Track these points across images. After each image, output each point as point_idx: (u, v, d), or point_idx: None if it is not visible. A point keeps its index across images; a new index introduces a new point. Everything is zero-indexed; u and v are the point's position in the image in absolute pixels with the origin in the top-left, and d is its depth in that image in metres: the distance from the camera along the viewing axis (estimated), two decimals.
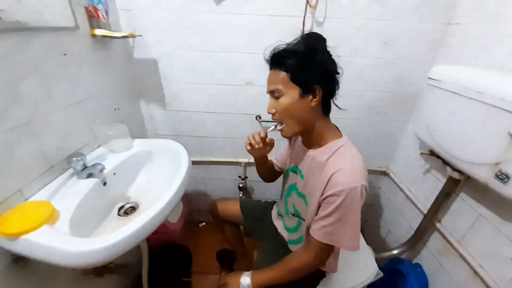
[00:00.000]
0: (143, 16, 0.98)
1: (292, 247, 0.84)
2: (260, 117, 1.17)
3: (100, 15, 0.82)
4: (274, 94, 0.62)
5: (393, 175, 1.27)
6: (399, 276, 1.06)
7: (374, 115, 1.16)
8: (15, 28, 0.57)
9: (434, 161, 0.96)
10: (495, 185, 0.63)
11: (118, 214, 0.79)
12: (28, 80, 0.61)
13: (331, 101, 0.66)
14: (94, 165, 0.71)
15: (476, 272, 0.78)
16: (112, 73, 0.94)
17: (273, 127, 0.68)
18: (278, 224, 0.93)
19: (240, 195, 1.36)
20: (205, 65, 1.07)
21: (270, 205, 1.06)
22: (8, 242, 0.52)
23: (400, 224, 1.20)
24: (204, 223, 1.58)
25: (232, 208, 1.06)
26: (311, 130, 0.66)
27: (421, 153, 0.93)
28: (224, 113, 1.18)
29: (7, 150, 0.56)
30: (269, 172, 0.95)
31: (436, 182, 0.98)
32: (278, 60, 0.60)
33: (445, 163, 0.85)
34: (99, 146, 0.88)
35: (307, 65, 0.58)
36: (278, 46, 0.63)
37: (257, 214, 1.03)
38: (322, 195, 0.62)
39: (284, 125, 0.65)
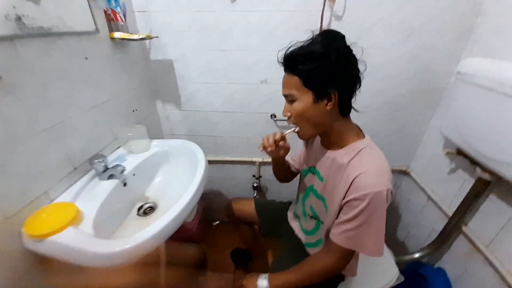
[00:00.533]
0: (160, 18, 0.99)
1: (310, 250, 0.82)
2: (275, 116, 1.15)
3: (119, 18, 0.83)
4: (288, 98, 0.61)
5: (414, 174, 1.22)
6: (421, 281, 1.02)
7: (394, 112, 1.11)
8: (40, 34, 0.58)
9: (460, 160, 0.91)
10: None
11: (138, 214, 0.81)
12: (54, 84, 0.63)
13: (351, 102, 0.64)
14: (115, 167, 0.73)
15: (503, 278, 0.73)
16: (130, 75, 0.96)
17: (291, 130, 0.66)
18: (295, 225, 0.92)
19: (255, 194, 1.36)
20: (221, 65, 1.06)
21: (285, 205, 1.05)
22: (34, 243, 0.54)
23: (421, 226, 1.15)
24: (218, 222, 1.60)
25: (247, 208, 1.05)
26: (329, 132, 0.64)
27: (447, 152, 0.88)
28: (239, 112, 1.18)
29: (36, 153, 0.59)
30: (285, 173, 0.93)
31: (462, 182, 0.93)
32: (290, 64, 0.58)
33: (474, 163, 0.80)
34: (118, 147, 0.90)
35: (320, 69, 0.55)
36: (291, 47, 0.59)
37: (272, 214, 1.02)
38: (344, 198, 0.60)
39: (298, 129, 0.64)
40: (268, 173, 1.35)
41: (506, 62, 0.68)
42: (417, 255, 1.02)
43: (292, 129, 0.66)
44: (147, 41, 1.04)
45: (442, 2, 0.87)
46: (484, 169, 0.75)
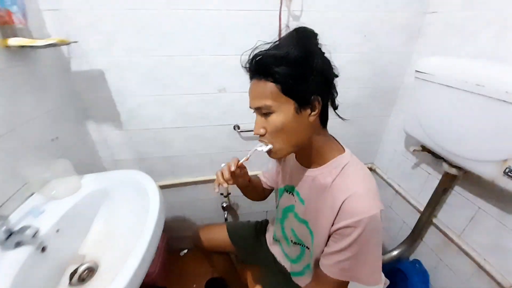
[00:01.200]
0: (79, 17, 0.76)
1: (296, 279, 0.73)
2: (238, 127, 1.03)
3: (15, 20, 0.60)
4: (261, 111, 0.49)
5: (379, 170, 1.24)
6: (400, 276, 1.03)
7: (357, 112, 1.10)
8: None
9: (424, 156, 0.93)
10: (504, 182, 0.60)
11: (71, 283, 0.59)
12: None
13: (329, 110, 0.56)
14: (21, 230, 0.51)
15: (480, 266, 0.76)
16: (41, 94, 0.71)
17: (253, 150, 0.54)
18: (276, 251, 0.82)
19: (225, 215, 1.21)
20: (168, 73, 0.89)
21: (262, 226, 0.94)
22: None
23: (393, 220, 1.17)
24: (186, 250, 1.40)
25: (219, 236, 0.91)
26: (308, 148, 0.55)
27: (414, 150, 0.89)
28: (197, 126, 1.02)
29: None
30: (256, 192, 0.81)
31: (427, 176, 0.96)
32: (263, 68, 0.46)
33: (439, 158, 0.82)
34: (32, 195, 0.65)
35: (302, 73, 0.45)
36: (258, 48, 0.48)
37: (249, 239, 0.90)
38: (332, 225, 0.51)
39: (270, 147, 0.51)
40: (236, 188, 1.21)
41: (464, 60, 0.69)
42: (395, 253, 1.02)
43: (254, 149, 0.54)
44: (64, 48, 0.80)
45: (392, 3, 0.88)
46: (451, 164, 0.77)
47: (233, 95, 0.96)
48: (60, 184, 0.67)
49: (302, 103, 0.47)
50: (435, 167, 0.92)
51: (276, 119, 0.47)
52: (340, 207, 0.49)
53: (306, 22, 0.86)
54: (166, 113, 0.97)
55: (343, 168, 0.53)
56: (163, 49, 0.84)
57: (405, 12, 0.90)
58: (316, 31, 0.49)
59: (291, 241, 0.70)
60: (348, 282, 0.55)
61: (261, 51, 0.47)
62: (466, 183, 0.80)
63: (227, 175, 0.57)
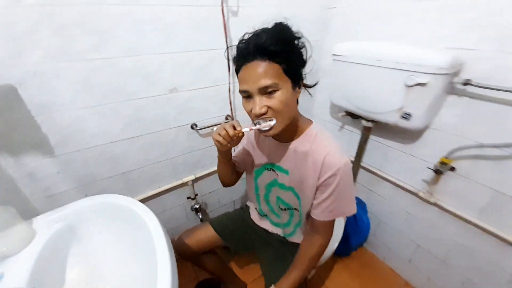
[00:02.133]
0: None
1: (291, 238, 0.85)
2: (196, 125, 1.02)
3: None
4: (268, 89, 0.53)
5: None
6: None
7: None
8: None
9: (347, 119, 1.23)
10: (402, 123, 0.90)
11: None
12: None
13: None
14: None
15: (396, 185, 1.11)
16: None
17: (258, 126, 0.57)
18: (266, 224, 0.91)
19: (200, 216, 1.19)
20: (108, 77, 0.78)
21: (243, 211, 1.00)
22: None
23: None
24: None
25: (205, 235, 0.92)
26: (291, 122, 0.65)
27: (341, 115, 1.16)
28: (152, 133, 0.94)
29: None
30: (231, 172, 0.83)
31: (351, 134, 1.27)
32: (270, 50, 0.51)
33: (357, 118, 1.11)
34: None
35: (297, 56, 0.55)
36: (249, 36, 0.55)
37: (237, 227, 0.95)
38: (318, 179, 0.65)
39: (275, 121, 0.57)
40: (202, 188, 1.21)
41: (365, 43, 0.96)
42: None
43: (261, 125, 0.57)
44: None
45: (303, 1, 1.07)
46: (367, 119, 1.06)
47: (186, 94, 0.95)
48: (7, 238, 0.51)
49: (295, 82, 0.57)
50: (355, 125, 1.23)
51: (282, 95, 0.54)
52: (322, 164, 0.63)
53: (243, 17, 0.93)
54: (113, 124, 0.85)
55: (315, 135, 0.67)
56: (100, 50, 0.73)
57: (314, 7, 1.12)
58: (252, 26, 0.56)
59: (281, 208, 0.81)
60: (334, 220, 0.72)
61: (265, 36, 0.52)
62: (377, 131, 1.13)
63: (231, 132, 0.58)
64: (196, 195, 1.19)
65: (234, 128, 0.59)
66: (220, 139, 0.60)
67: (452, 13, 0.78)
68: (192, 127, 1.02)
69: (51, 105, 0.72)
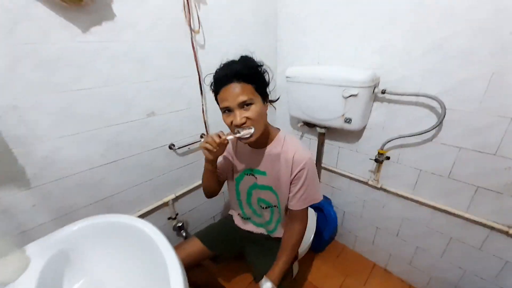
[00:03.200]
0: None
1: (274, 234, 0.96)
2: (174, 145, 1.09)
3: None
4: (245, 103, 0.68)
5: None
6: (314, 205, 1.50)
7: None
8: None
9: (304, 128, 1.44)
10: (346, 126, 1.13)
11: None
12: None
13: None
14: None
15: (351, 178, 1.33)
16: None
17: (239, 134, 0.70)
18: (249, 227, 1.00)
19: (184, 234, 1.21)
20: (88, 106, 0.83)
21: (227, 220, 1.08)
22: None
23: None
24: None
25: (194, 248, 0.96)
26: (264, 131, 0.80)
27: (300, 125, 1.37)
28: (131, 156, 0.98)
29: None
30: (215, 181, 0.92)
31: (309, 141, 1.49)
32: (244, 75, 0.67)
33: (313, 126, 1.33)
34: None
35: (262, 78, 0.72)
36: (225, 65, 0.71)
37: (222, 234, 1.02)
38: (291, 175, 0.80)
39: (253, 129, 0.70)
40: (182, 206, 1.25)
41: (310, 67, 1.20)
42: None
43: (236, 131, 0.70)
44: None
45: (259, 32, 1.29)
46: (320, 126, 1.29)
47: (164, 117, 1.03)
48: (3, 266, 0.51)
49: (264, 98, 0.72)
50: (312, 133, 1.45)
51: (256, 108, 0.69)
52: (292, 160, 0.78)
53: (209, 48, 1.09)
54: (92, 150, 0.88)
55: (284, 139, 0.83)
56: (78, 82, 0.79)
57: (266, 39, 1.35)
58: (218, 54, 0.74)
59: (262, 207, 0.92)
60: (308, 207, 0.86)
61: (240, 65, 0.68)
62: (330, 136, 1.36)
63: (217, 140, 0.70)
64: (177, 214, 1.21)
65: (220, 137, 0.71)
66: (208, 146, 0.72)
67: (365, 41, 1.07)
68: (170, 147, 1.09)
69: (28, 136, 0.74)
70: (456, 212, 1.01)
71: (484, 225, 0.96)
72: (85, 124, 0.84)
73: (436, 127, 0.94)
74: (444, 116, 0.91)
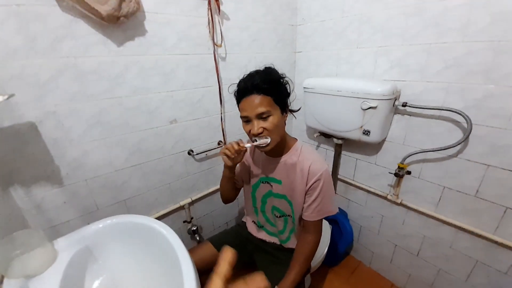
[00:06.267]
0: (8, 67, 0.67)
1: (287, 244, 0.95)
2: (192, 151, 1.14)
3: None
4: (263, 115, 0.70)
5: None
6: (329, 217, 1.46)
7: None
8: None
9: (321, 138, 1.44)
10: (364, 138, 1.11)
11: None
12: None
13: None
14: None
15: (368, 191, 1.30)
16: None
17: (256, 142, 0.72)
18: (263, 235, 1.00)
19: (198, 238, 1.23)
20: (116, 114, 0.89)
21: (240, 227, 1.09)
22: None
23: None
24: None
25: (206, 253, 0.97)
26: (281, 140, 0.82)
27: (316, 136, 1.37)
28: (152, 160, 1.04)
29: None
30: (232, 187, 0.96)
31: (326, 151, 1.47)
32: (263, 88, 0.70)
33: (330, 137, 1.32)
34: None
35: (282, 90, 0.74)
36: (247, 77, 0.73)
37: (235, 241, 1.02)
38: (306, 185, 0.80)
39: (269, 139, 0.73)
40: (197, 211, 1.28)
41: (326, 78, 1.21)
42: None
43: (254, 140, 0.73)
44: None
45: (277, 47, 1.33)
46: (337, 137, 1.27)
47: (184, 124, 1.08)
48: (31, 259, 0.56)
49: (283, 109, 0.74)
50: (329, 143, 1.44)
51: (274, 119, 0.72)
52: (308, 171, 0.78)
53: (230, 62, 1.14)
54: (117, 154, 0.94)
55: (300, 149, 0.84)
56: (109, 92, 0.86)
57: (283, 52, 1.38)
58: (237, 69, 0.76)
59: (276, 216, 0.92)
60: (322, 218, 0.85)
61: (256, 78, 0.70)
62: (347, 147, 1.34)
63: (236, 147, 0.74)
64: (192, 218, 1.25)
65: (238, 145, 0.74)
66: (228, 152, 0.75)
67: (384, 55, 1.06)
68: (189, 153, 1.13)
69: (63, 141, 0.81)
70: (483, 233, 0.94)
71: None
72: (112, 130, 0.90)
73: (461, 142, 0.90)
74: (470, 131, 0.87)
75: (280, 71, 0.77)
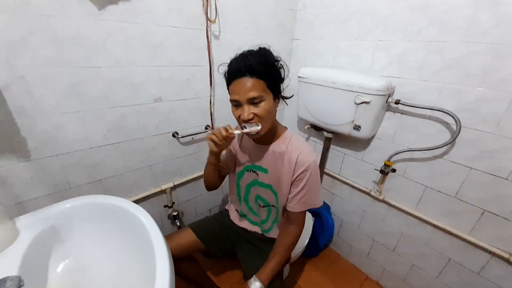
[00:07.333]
0: None
1: (269, 234, 0.94)
2: (177, 133, 1.08)
3: None
4: (254, 100, 0.66)
5: None
6: (312, 210, 1.47)
7: None
8: None
9: (311, 131, 1.42)
10: (354, 133, 1.10)
11: None
12: None
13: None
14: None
15: (353, 187, 1.30)
16: None
17: (246, 130, 0.68)
18: (245, 224, 0.98)
19: (178, 224, 1.20)
20: (95, 86, 0.82)
21: (222, 215, 1.06)
22: None
23: None
24: None
25: (185, 239, 0.94)
26: (271, 128, 0.78)
27: (307, 128, 1.35)
28: (133, 140, 0.97)
29: None
30: (217, 175, 0.92)
31: (315, 144, 1.46)
32: (256, 70, 0.64)
33: (320, 130, 1.30)
34: None
35: (277, 75, 0.69)
36: (239, 57, 0.68)
37: (216, 229, 1.00)
38: (293, 175, 0.78)
39: (260, 126, 0.69)
40: (180, 196, 1.24)
41: (323, 69, 1.17)
42: None
43: (244, 126, 0.68)
44: None
45: (275, 33, 1.27)
46: (327, 131, 1.26)
47: (170, 104, 1.02)
48: None
49: (275, 95, 0.70)
50: (319, 136, 1.42)
51: (266, 105, 0.67)
52: (296, 161, 0.76)
53: (224, 41, 1.07)
54: (96, 130, 0.87)
55: (290, 138, 0.81)
56: (88, 60, 0.78)
57: (281, 38, 1.33)
58: (232, 49, 0.70)
59: (260, 205, 0.90)
60: (306, 210, 0.84)
61: (251, 59, 0.64)
62: (336, 141, 1.33)
63: (224, 133, 0.69)
64: (173, 203, 1.21)
65: (227, 130, 0.69)
66: (214, 138, 0.70)
67: (383, 51, 1.03)
68: (173, 135, 1.08)
69: (32, 110, 0.73)
70: (459, 233, 0.97)
71: (486, 250, 0.92)
72: (90, 103, 0.83)
73: (449, 143, 0.91)
74: (458, 133, 0.87)
75: (277, 56, 0.73)
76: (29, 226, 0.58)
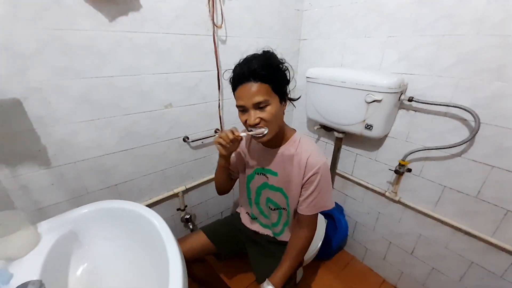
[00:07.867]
0: None
1: (280, 237, 0.93)
2: (188, 138, 1.10)
3: None
4: (260, 104, 0.66)
5: None
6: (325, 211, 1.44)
7: None
8: None
9: (321, 131, 1.40)
10: (366, 133, 1.08)
11: None
12: None
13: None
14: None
15: (367, 187, 1.27)
16: None
17: (252, 132, 0.69)
18: (256, 227, 0.98)
19: (191, 227, 1.22)
20: (106, 94, 0.85)
21: (234, 217, 1.06)
22: None
23: None
24: None
25: (198, 242, 0.96)
26: (279, 131, 0.78)
27: (317, 128, 1.33)
28: (144, 145, 1.00)
29: None
30: (227, 178, 0.93)
31: (325, 145, 1.44)
32: (260, 75, 0.64)
33: (330, 130, 1.28)
34: None
35: (282, 77, 0.69)
36: (243, 62, 0.67)
37: (228, 231, 1.01)
38: (303, 178, 0.77)
39: (267, 130, 0.68)
40: (191, 199, 1.26)
41: (330, 68, 1.15)
42: None
43: (254, 132, 0.68)
44: None
45: (280, 33, 1.26)
46: (338, 131, 1.24)
47: (179, 110, 1.04)
48: (13, 241, 0.53)
49: (281, 98, 0.70)
50: (329, 137, 1.40)
51: (272, 109, 0.67)
52: (306, 164, 0.75)
53: (230, 45, 1.08)
54: (108, 137, 0.90)
55: (299, 141, 0.80)
56: (98, 70, 0.81)
57: (287, 39, 1.32)
58: (238, 53, 0.70)
59: (270, 208, 0.89)
60: (318, 213, 0.82)
61: (254, 64, 0.64)
62: (347, 141, 1.30)
63: (231, 136, 0.70)
64: (186, 206, 1.22)
65: (233, 133, 0.70)
66: (222, 141, 0.71)
67: (392, 47, 1.00)
68: (184, 140, 1.09)
69: (48, 119, 0.76)
70: (480, 235, 0.92)
71: (509, 252, 0.87)
72: (102, 111, 0.86)
73: (467, 141, 0.87)
74: (477, 130, 0.83)
75: (281, 59, 0.72)
76: (50, 231, 0.61)
